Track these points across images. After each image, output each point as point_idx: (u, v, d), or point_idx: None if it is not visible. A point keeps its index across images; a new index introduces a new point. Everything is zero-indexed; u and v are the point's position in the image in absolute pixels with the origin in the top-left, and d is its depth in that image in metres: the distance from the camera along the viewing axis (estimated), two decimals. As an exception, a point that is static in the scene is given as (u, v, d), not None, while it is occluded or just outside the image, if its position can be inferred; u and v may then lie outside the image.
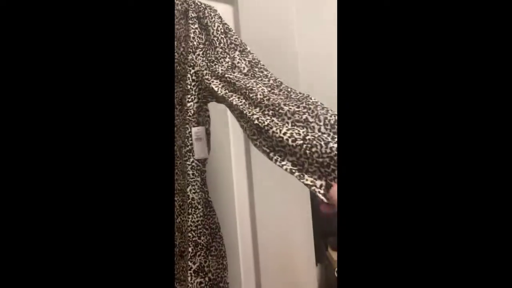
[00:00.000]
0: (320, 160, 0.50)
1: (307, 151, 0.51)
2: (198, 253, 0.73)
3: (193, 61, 0.73)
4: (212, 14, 0.74)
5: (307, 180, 0.51)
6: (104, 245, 0.37)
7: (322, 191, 0.50)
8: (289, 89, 0.64)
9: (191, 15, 0.73)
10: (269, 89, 0.65)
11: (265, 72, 0.73)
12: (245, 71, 0.73)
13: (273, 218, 1.14)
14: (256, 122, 0.57)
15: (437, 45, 0.37)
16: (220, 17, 0.75)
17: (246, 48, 0.76)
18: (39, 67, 0.37)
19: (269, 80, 0.70)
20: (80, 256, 0.37)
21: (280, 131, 0.53)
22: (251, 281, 1.11)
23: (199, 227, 0.74)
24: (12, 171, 0.35)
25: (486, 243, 0.34)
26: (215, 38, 0.74)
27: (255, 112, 0.59)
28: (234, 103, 0.63)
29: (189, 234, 0.74)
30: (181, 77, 0.75)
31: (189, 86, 0.73)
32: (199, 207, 0.74)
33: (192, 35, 0.73)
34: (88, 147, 0.38)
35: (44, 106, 0.37)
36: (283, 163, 0.53)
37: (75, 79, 0.38)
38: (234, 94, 0.66)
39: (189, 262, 0.73)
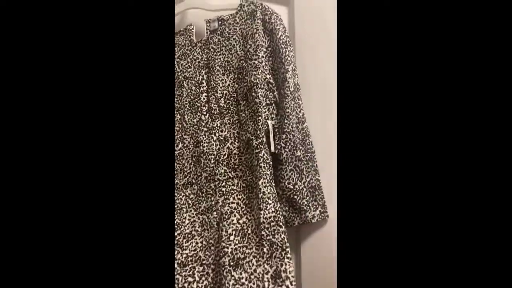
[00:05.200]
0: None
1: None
2: (275, 254, 0.63)
3: (258, 60, 0.75)
4: (278, 22, 0.77)
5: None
6: (104, 244, 0.37)
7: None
8: (307, 132, 0.79)
9: (259, 16, 0.78)
10: (296, 122, 0.78)
11: (300, 102, 0.80)
12: (291, 90, 0.75)
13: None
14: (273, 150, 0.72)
15: (437, 46, 0.37)
16: (284, 27, 0.78)
17: (295, 69, 0.77)
18: (42, 67, 0.37)
19: (300, 112, 0.79)
20: (79, 255, 0.37)
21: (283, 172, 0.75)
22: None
23: (272, 224, 0.66)
24: (11, 170, 0.36)
25: (486, 243, 0.34)
26: (277, 47, 0.77)
27: (281, 137, 0.74)
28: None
29: (263, 232, 0.66)
30: (246, 72, 0.76)
31: (258, 80, 0.73)
32: (270, 202, 0.68)
33: (257, 35, 0.76)
34: (88, 146, 0.39)
35: (55, 102, 0.38)
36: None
37: (75, 78, 0.39)
38: (279, 110, 0.77)
39: (265, 265, 0.63)
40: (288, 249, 0.64)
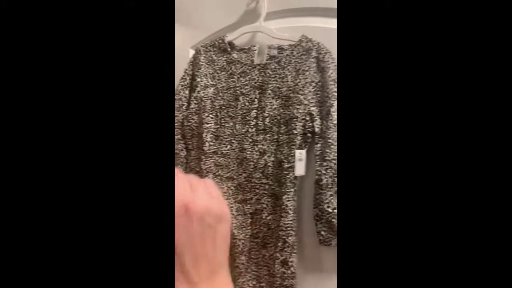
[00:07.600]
0: None
1: None
2: (286, 249, 0.91)
3: (304, 96, 0.88)
4: (331, 60, 0.86)
5: None
6: (103, 244, 0.36)
7: None
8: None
9: (313, 54, 0.88)
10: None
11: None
12: (334, 122, 0.88)
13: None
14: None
15: (438, 47, 0.36)
16: (335, 65, 0.87)
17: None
18: (45, 69, 0.36)
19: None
20: (79, 255, 0.36)
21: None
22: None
23: (288, 228, 0.91)
24: (11, 170, 0.36)
25: (486, 244, 0.34)
26: (326, 83, 0.88)
27: (322, 164, 0.89)
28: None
29: (280, 232, 0.92)
30: (291, 103, 0.90)
31: (298, 114, 0.89)
32: (290, 212, 0.91)
33: (307, 73, 0.88)
34: (88, 147, 0.37)
35: (56, 104, 0.37)
36: None
37: (76, 80, 0.38)
38: (321, 139, 0.90)
39: (277, 253, 0.91)
40: (295, 247, 0.91)
